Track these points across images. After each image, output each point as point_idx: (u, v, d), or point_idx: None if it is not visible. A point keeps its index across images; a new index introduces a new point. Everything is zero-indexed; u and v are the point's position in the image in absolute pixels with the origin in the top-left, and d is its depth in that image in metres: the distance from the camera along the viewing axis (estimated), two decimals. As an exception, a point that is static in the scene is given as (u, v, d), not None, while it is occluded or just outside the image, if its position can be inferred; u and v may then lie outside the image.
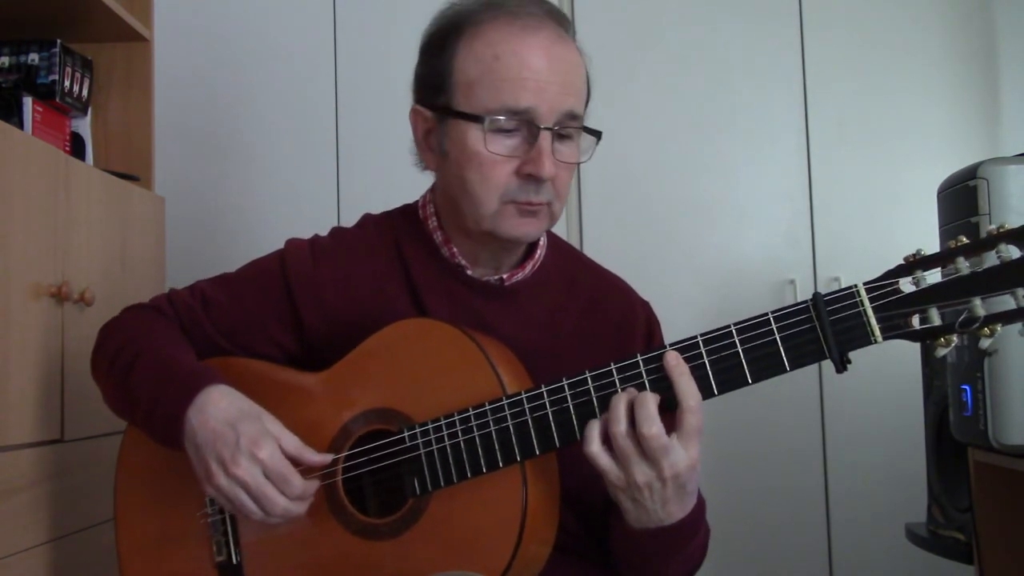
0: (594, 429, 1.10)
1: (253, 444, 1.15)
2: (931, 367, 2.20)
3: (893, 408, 2.71)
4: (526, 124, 1.20)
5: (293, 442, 1.19)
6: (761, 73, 2.90)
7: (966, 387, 1.81)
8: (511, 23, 1.21)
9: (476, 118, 1.21)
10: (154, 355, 1.27)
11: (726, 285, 2.85)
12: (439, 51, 1.25)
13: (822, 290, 1.09)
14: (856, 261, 2.79)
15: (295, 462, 1.18)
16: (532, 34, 1.21)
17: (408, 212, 1.38)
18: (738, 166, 2.90)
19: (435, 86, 1.26)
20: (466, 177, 1.23)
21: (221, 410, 1.18)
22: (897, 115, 2.87)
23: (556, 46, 1.22)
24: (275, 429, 1.19)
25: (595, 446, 1.10)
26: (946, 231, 1.91)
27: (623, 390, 1.10)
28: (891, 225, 2.81)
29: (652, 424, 1.07)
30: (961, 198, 1.82)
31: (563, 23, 1.26)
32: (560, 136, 1.23)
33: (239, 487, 1.15)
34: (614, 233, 2.86)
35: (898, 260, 1.06)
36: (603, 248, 2.63)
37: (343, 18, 2.93)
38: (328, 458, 1.21)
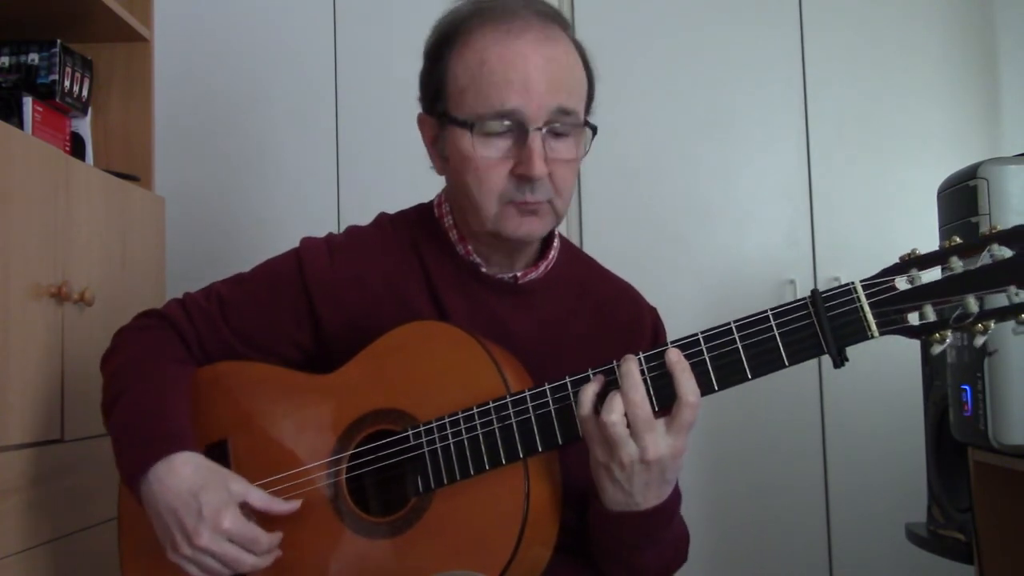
0: (587, 392, 1.11)
1: (216, 515, 1.18)
2: (931, 366, 2.20)
3: (893, 408, 2.71)
4: (516, 125, 1.22)
5: (261, 497, 1.22)
6: (761, 73, 2.90)
7: (966, 387, 1.81)
8: (496, 28, 1.24)
9: (466, 123, 1.23)
10: (138, 396, 1.28)
11: (726, 285, 2.85)
12: (436, 60, 1.29)
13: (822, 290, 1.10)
14: (856, 261, 2.78)
15: (264, 515, 1.22)
16: (517, 38, 1.23)
17: (423, 211, 1.39)
18: (738, 166, 2.90)
19: (435, 94, 1.29)
20: (464, 182, 1.26)
21: (183, 479, 1.20)
22: (897, 115, 2.87)
23: (543, 47, 1.23)
24: (240, 489, 1.22)
25: (585, 410, 1.11)
26: (946, 231, 1.91)
27: None
28: (891, 225, 2.82)
29: (636, 390, 1.09)
30: (961, 198, 1.82)
31: (552, 22, 1.26)
32: (556, 134, 1.24)
33: (205, 555, 1.18)
34: (614, 233, 2.86)
35: (897, 260, 1.07)
36: (603, 248, 2.61)
37: (343, 18, 2.93)
38: (296, 504, 1.23)
